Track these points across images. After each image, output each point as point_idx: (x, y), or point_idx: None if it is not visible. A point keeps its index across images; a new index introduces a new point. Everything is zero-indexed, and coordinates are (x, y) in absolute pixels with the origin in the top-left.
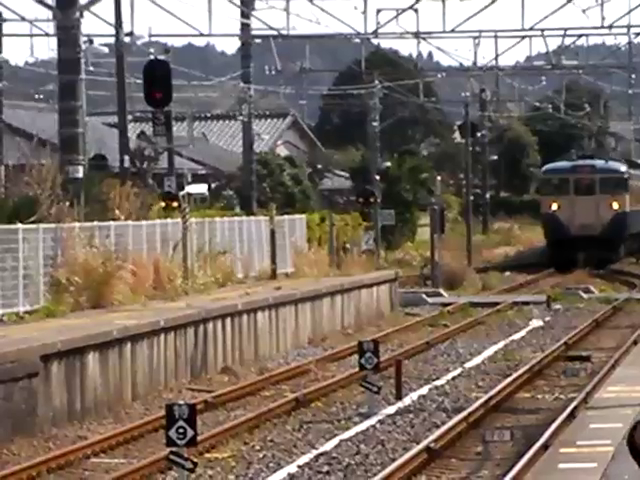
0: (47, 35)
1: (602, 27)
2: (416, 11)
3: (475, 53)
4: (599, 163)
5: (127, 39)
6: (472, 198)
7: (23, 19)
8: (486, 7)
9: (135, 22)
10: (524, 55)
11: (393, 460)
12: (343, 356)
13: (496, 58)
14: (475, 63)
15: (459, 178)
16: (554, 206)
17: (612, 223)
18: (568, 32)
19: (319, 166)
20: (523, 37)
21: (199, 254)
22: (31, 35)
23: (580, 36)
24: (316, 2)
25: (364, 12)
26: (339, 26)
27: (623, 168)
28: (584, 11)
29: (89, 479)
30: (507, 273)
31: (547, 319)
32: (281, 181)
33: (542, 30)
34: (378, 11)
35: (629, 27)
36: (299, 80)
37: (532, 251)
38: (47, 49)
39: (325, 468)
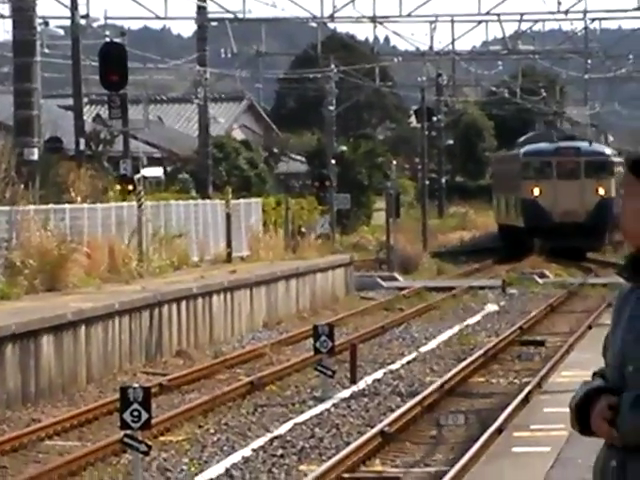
0: (2, 17)
1: (558, 12)
2: None
3: (431, 38)
4: (583, 145)
5: (83, 21)
6: (427, 182)
7: None
8: None
9: (91, 4)
10: (480, 40)
11: (347, 444)
12: (298, 340)
13: (452, 43)
14: (431, 48)
15: (415, 162)
16: (536, 191)
17: (597, 209)
18: (524, 17)
19: (275, 150)
20: (479, 22)
21: (154, 237)
22: None
23: (536, 21)
24: None
25: None
26: (295, 9)
27: (608, 151)
28: None
29: (43, 461)
30: (462, 257)
31: (502, 303)
32: (237, 165)
33: (498, 15)
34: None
35: (585, 12)
36: (255, 64)
37: (487, 236)
38: (2, 31)
39: (279, 451)
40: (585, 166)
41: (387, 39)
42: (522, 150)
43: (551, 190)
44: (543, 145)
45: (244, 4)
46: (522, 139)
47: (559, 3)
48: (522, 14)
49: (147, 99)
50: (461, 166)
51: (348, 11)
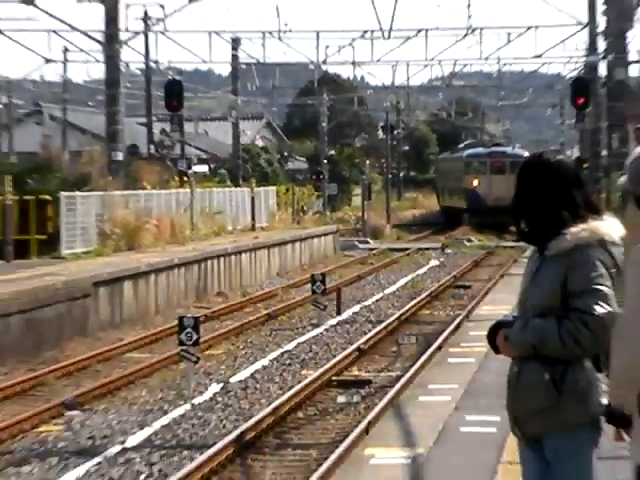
0: (97, 61)
1: (480, 58)
2: (352, 47)
3: (393, 76)
4: (508, 150)
5: (153, 65)
6: (390, 176)
7: (81, 50)
8: (402, 44)
9: (158, 52)
10: (427, 77)
11: (334, 356)
12: (300, 284)
13: (407, 80)
14: (393, 83)
15: (381, 162)
16: (475, 182)
17: None
18: (457, 62)
19: (285, 153)
20: (426, 65)
21: (201, 213)
22: (86, 61)
23: (465, 65)
24: (284, 40)
25: (317, 47)
26: (299, 56)
27: (525, 153)
28: (468, 48)
29: (125, 367)
30: (414, 228)
31: (442, 260)
32: (258, 163)
33: (440, 61)
34: (326, 47)
35: (499, 59)
36: (271, 94)
37: (431, 213)
38: (97, 71)
39: (288, 361)
40: (510, 165)
41: (362, 77)
42: (465, 153)
43: (486, 182)
44: (480, 149)
45: (264, 52)
46: (462, 145)
47: (481, 52)
48: (456, 60)
49: (197, 118)
50: (413, 165)
51: (335, 57)
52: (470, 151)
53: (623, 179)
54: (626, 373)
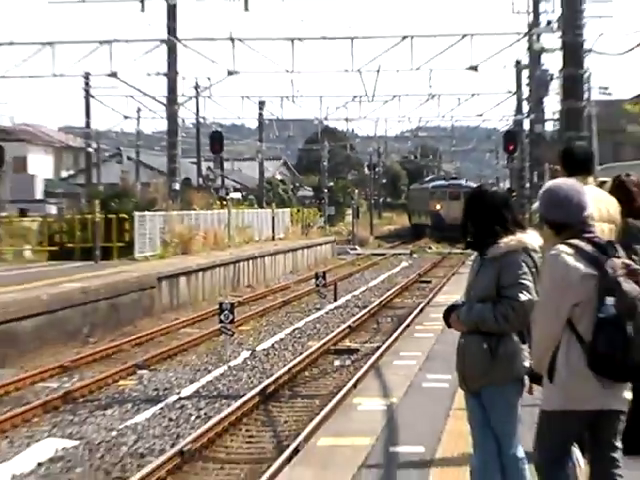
0: (162, 118)
1: (438, 116)
2: (346, 107)
3: (375, 128)
4: (462, 182)
5: (201, 120)
6: (372, 201)
7: (150, 110)
8: (382, 105)
9: (206, 111)
10: (400, 130)
11: (332, 331)
12: (307, 279)
13: (385, 131)
14: (375, 134)
15: (366, 191)
16: (438, 206)
17: None
18: (422, 119)
19: (297, 184)
20: (399, 121)
21: (236, 227)
22: (154, 118)
23: (427, 121)
24: (296, 102)
25: (320, 107)
26: (307, 114)
27: (474, 185)
28: (430, 108)
29: (181, 339)
30: (390, 239)
31: (410, 262)
32: (277, 192)
33: (409, 117)
34: (327, 107)
35: (452, 117)
36: (287, 141)
37: (402, 228)
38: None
39: (298, 335)
40: (463, 193)
41: (353, 129)
42: (430, 184)
43: (445, 206)
44: (442, 182)
45: (282, 111)
46: (428, 179)
47: (439, 112)
48: (420, 117)
49: (233, 159)
50: (389, 193)
51: (333, 115)
52: (434, 183)
53: (536, 205)
54: (541, 346)
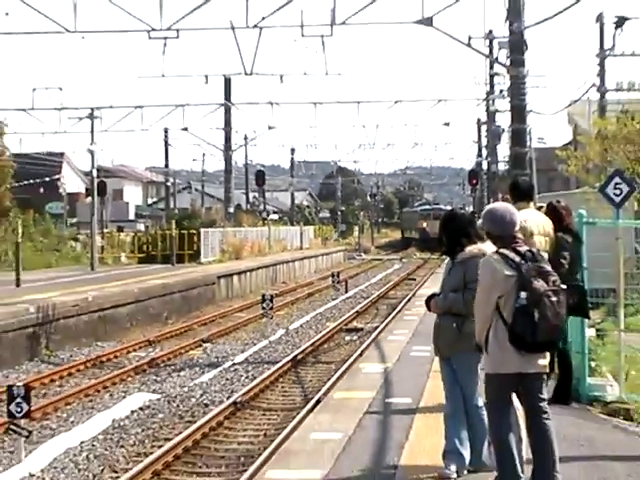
0: (220, 160)
1: (421, 159)
2: (354, 152)
3: (375, 168)
4: (442, 207)
5: (249, 162)
6: (373, 221)
7: (212, 154)
8: (382, 150)
9: (252, 156)
10: (394, 169)
11: (344, 315)
12: (326, 277)
13: (382, 170)
14: (375, 172)
15: (369, 214)
16: (424, 224)
17: None
18: (409, 161)
19: (318, 208)
20: (393, 162)
21: (274, 239)
22: (214, 160)
23: (413, 162)
24: (318, 148)
25: (335, 152)
26: (326, 157)
27: (449, 208)
28: (415, 153)
29: (232, 321)
30: (386, 248)
31: (400, 266)
32: (304, 214)
33: (400, 159)
34: (340, 152)
35: (431, 160)
36: (311, 177)
37: (395, 240)
38: (221, 165)
39: (319, 318)
40: (442, 214)
41: (359, 169)
42: (419, 208)
43: (430, 225)
44: (427, 206)
45: (307, 154)
46: (417, 204)
47: (422, 157)
48: (408, 160)
49: (271, 190)
50: (385, 215)
51: (345, 157)
52: (422, 207)
53: (480, 222)
54: (479, 324)
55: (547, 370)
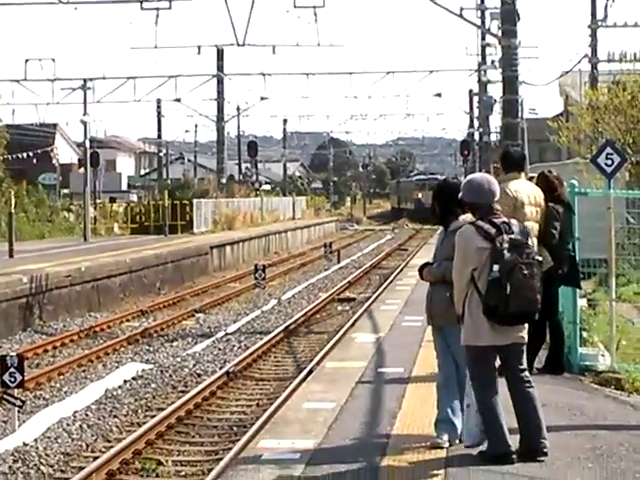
0: (212, 131)
1: (413, 130)
2: (346, 123)
3: (367, 138)
4: (438, 176)
5: (242, 132)
6: (365, 191)
7: (204, 125)
8: (373, 121)
9: (245, 127)
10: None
11: (336, 285)
12: (318, 248)
13: (375, 141)
14: (367, 143)
15: (361, 184)
16: (420, 195)
17: None
18: (401, 132)
19: (310, 179)
20: (385, 133)
21: (266, 210)
22: (207, 131)
23: (405, 133)
24: (310, 119)
25: (327, 123)
26: (319, 128)
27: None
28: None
29: (224, 291)
30: (378, 218)
31: (392, 236)
32: (297, 185)
33: (392, 130)
34: (333, 123)
35: (423, 130)
36: (304, 148)
37: (387, 211)
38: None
39: (311, 288)
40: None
41: (351, 139)
42: (414, 178)
43: (425, 195)
44: (422, 176)
45: (299, 125)
46: (413, 174)
47: (414, 127)
48: (400, 131)
49: (264, 161)
50: (376, 186)
51: (337, 128)
52: (417, 177)
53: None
54: (457, 294)
55: (525, 341)
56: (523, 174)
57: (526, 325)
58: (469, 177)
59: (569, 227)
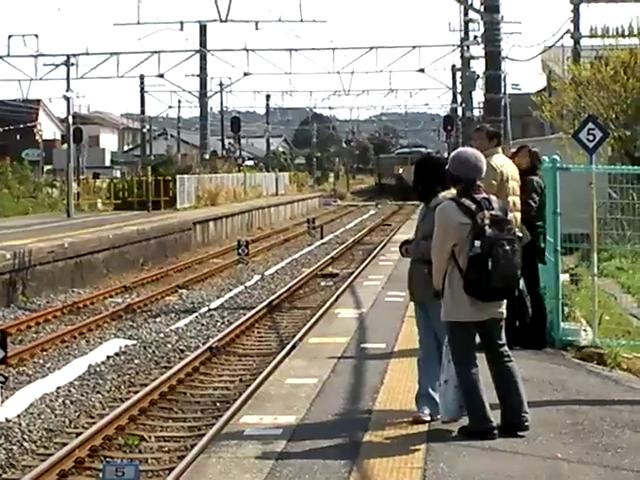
0: (196, 107)
1: (397, 106)
2: (329, 99)
3: (350, 114)
4: (422, 150)
5: (225, 108)
6: (348, 167)
7: (187, 101)
8: (356, 97)
9: (228, 102)
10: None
11: (319, 261)
12: (301, 223)
13: (358, 116)
14: (350, 118)
15: (344, 160)
16: (401, 170)
17: None
18: (384, 107)
19: (294, 155)
20: (368, 109)
21: (249, 186)
22: (190, 107)
23: (389, 108)
24: (293, 95)
25: (310, 99)
26: (302, 103)
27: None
28: (389, 100)
29: (208, 267)
30: (361, 194)
31: (375, 211)
32: (279, 160)
33: (375, 107)
34: (315, 99)
35: (406, 106)
36: (287, 123)
37: (370, 187)
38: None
39: (294, 264)
40: None
41: (335, 115)
42: (397, 151)
43: (407, 170)
44: (405, 149)
45: (282, 101)
46: (396, 148)
47: (397, 103)
48: (383, 106)
49: (247, 136)
50: (360, 161)
51: (321, 104)
52: (399, 150)
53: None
54: (436, 270)
55: (503, 316)
56: (500, 149)
57: (505, 301)
58: (458, 150)
59: (544, 202)
